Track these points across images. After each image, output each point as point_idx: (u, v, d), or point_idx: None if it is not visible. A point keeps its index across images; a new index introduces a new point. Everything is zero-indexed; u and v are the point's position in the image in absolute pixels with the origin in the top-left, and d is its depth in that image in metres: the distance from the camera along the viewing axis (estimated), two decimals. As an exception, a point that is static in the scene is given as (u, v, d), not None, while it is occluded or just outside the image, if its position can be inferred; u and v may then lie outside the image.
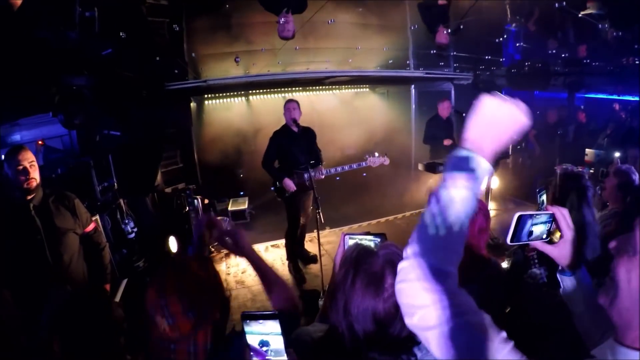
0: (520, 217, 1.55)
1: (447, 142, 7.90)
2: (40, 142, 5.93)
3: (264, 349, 1.59)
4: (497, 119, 1.28)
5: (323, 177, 6.12)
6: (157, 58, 6.89)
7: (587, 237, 2.57)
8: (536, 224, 1.59)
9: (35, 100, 4.41)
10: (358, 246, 1.62)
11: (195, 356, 1.65)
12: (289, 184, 6.08)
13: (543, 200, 2.93)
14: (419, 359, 1.51)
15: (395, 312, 1.42)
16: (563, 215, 1.61)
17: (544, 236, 1.63)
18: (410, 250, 1.26)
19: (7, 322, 2.08)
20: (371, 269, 1.49)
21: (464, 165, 1.25)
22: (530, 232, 1.59)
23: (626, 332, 1.20)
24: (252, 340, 1.58)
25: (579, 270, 1.66)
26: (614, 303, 1.23)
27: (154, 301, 1.64)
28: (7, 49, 4.03)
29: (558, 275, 1.71)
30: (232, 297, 1.83)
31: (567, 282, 1.68)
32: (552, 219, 1.63)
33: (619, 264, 1.23)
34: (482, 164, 1.25)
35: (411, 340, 1.48)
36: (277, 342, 1.56)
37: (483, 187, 1.20)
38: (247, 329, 1.57)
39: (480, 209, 2.45)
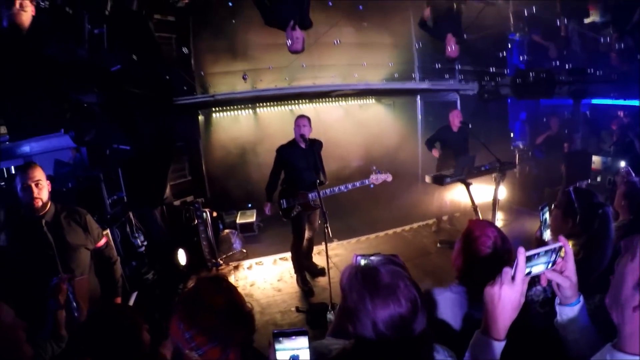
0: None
1: (434, 152, 8.08)
2: (75, 149, 5.99)
3: None
4: (513, 305, 1.53)
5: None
6: (167, 77, 6.98)
7: (601, 267, 2.57)
8: (538, 263, 1.58)
9: (47, 117, 4.46)
10: (357, 268, 1.70)
11: None
12: (265, 210, 6.55)
13: (546, 219, 2.85)
14: None
15: (414, 308, 1.54)
16: (570, 249, 1.64)
17: (549, 266, 1.63)
18: None
19: (10, 334, 2.13)
20: (383, 282, 1.57)
21: (490, 352, 1.55)
22: (536, 265, 1.58)
23: (622, 335, 1.31)
24: (283, 356, 1.65)
25: (577, 302, 1.69)
26: (614, 303, 1.34)
27: (179, 336, 1.70)
28: (19, 68, 4.10)
29: (557, 307, 1.73)
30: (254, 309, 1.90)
31: (567, 312, 1.70)
32: (560, 249, 1.61)
33: (620, 263, 1.34)
34: (501, 347, 1.56)
35: (428, 336, 1.62)
36: (304, 355, 1.64)
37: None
38: (278, 346, 1.64)
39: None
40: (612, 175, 7.24)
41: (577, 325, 1.69)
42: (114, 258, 4.17)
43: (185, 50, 7.94)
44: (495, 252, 2.35)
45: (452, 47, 7.71)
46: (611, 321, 1.43)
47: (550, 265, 1.61)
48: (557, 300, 1.73)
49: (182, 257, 6.95)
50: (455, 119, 8.03)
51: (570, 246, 1.64)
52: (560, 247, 1.60)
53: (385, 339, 1.54)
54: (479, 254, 2.35)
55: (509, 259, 2.33)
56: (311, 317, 5.71)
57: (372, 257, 1.99)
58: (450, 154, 7.92)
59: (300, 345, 1.63)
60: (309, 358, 1.63)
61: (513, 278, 1.51)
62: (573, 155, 9.23)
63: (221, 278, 1.92)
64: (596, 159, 8.49)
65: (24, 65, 4.12)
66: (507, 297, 1.51)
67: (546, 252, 1.57)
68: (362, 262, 2.05)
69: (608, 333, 1.47)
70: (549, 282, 1.67)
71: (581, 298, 1.69)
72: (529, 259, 1.54)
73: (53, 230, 3.62)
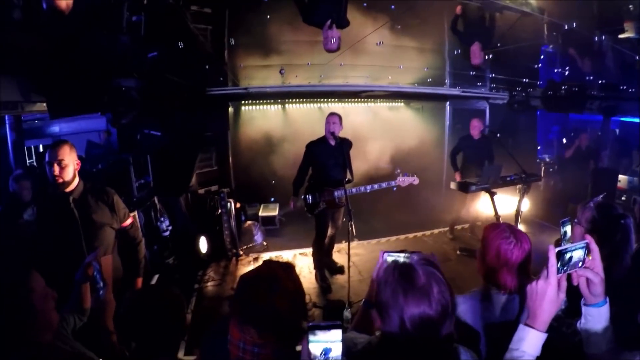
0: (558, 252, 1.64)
1: (457, 176, 7.97)
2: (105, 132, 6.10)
3: (327, 356, 1.66)
4: (549, 299, 1.64)
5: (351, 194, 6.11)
6: (207, 67, 7.08)
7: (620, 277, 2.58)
8: (571, 259, 1.67)
9: (86, 98, 4.57)
10: (396, 264, 1.73)
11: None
12: (290, 205, 6.63)
13: (566, 232, 2.86)
14: None
15: (443, 312, 1.60)
16: (596, 246, 1.70)
17: (580, 264, 1.69)
18: None
19: (40, 301, 2.20)
20: (419, 284, 1.62)
21: (531, 342, 1.65)
22: (569, 261, 1.67)
23: None
24: (316, 348, 1.65)
25: (604, 302, 1.71)
26: None
27: (247, 312, 1.74)
28: (61, 50, 4.21)
29: (583, 308, 1.75)
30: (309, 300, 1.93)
31: (593, 313, 1.72)
32: (586, 248, 1.68)
33: None
34: (542, 339, 1.66)
35: (451, 337, 1.68)
36: (336, 350, 1.64)
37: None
38: (312, 338, 1.64)
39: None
40: (637, 194, 7.16)
41: (601, 327, 1.72)
42: (139, 239, 4.21)
43: (232, 41, 8.06)
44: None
45: (476, 55, 7.70)
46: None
47: (581, 263, 1.68)
48: (582, 301, 1.75)
49: (203, 244, 7.05)
50: (475, 128, 8.00)
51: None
52: (587, 244, 1.67)
53: (409, 336, 1.59)
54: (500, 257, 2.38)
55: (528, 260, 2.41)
56: (328, 313, 5.73)
57: (409, 255, 2.01)
58: (472, 163, 7.91)
59: (333, 338, 1.63)
60: (341, 352, 1.64)
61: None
62: (599, 172, 9.12)
63: (292, 265, 1.95)
64: (622, 178, 8.38)
65: (66, 48, 4.23)
66: (542, 292, 1.64)
67: (575, 248, 1.66)
68: (389, 258, 2.10)
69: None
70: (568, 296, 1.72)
71: (607, 299, 1.71)
72: (560, 256, 1.63)
73: (80, 207, 3.69)
